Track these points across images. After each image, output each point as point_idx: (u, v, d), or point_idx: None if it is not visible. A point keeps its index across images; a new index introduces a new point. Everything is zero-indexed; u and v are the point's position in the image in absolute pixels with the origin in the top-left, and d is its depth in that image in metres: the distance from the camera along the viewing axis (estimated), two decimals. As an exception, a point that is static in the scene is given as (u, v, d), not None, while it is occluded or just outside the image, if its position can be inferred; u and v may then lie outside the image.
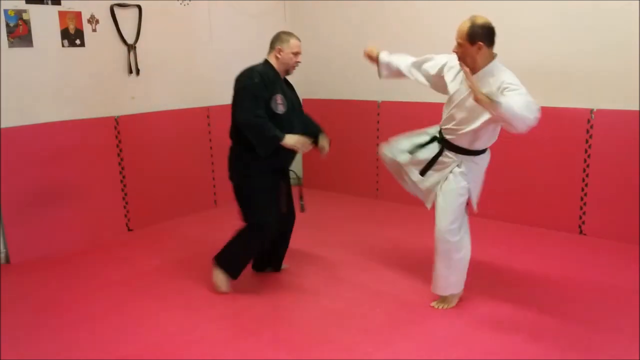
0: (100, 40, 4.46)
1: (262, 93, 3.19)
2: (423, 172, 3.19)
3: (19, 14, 3.98)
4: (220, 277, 3.45)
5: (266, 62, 3.35)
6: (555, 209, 4.48)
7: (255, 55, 5.73)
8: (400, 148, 3.32)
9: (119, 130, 4.62)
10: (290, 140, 3.19)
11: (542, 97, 4.46)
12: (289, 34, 3.36)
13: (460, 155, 3.10)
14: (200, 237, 4.55)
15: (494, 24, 4.62)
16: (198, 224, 4.93)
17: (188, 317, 3.19)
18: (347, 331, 2.99)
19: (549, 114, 4.42)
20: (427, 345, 2.84)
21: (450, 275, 3.15)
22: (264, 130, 3.16)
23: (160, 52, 4.87)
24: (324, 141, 3.55)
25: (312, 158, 5.94)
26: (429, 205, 3.23)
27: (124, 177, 4.68)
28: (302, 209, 3.59)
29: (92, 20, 4.38)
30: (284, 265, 3.80)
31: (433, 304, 3.21)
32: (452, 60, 3.17)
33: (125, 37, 4.61)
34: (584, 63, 4.24)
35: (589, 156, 4.27)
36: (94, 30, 4.41)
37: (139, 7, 4.66)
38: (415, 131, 3.39)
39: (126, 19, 4.60)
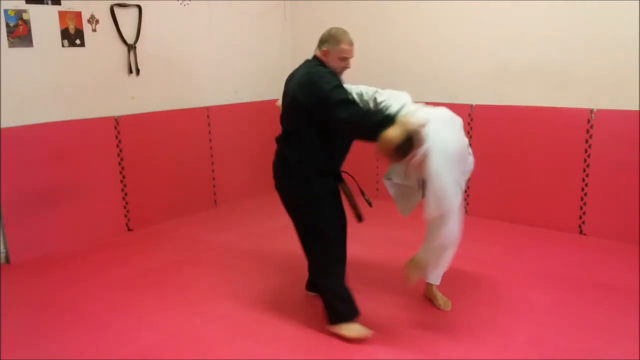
0: (100, 40, 4.46)
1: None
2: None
3: (19, 14, 3.98)
4: (351, 329, 2.93)
5: (319, 60, 2.94)
6: (555, 208, 4.48)
7: (255, 55, 5.78)
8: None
9: (119, 130, 4.62)
10: (411, 120, 2.60)
11: (542, 97, 4.49)
12: (342, 33, 2.91)
13: None
14: (200, 237, 4.55)
15: (494, 23, 4.65)
16: (198, 224, 4.93)
17: (188, 317, 3.19)
18: (347, 331, 2.99)
19: (549, 114, 4.44)
20: (427, 345, 2.84)
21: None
22: (375, 117, 2.68)
23: (160, 52, 4.87)
24: None
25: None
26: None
27: (124, 177, 4.69)
28: (360, 219, 3.07)
29: (92, 20, 4.38)
30: None
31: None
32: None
33: (125, 37, 4.61)
34: (584, 63, 4.24)
35: (589, 156, 4.27)
36: (94, 30, 4.41)
37: (139, 7, 4.66)
38: None
39: (126, 19, 4.60)
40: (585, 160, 4.29)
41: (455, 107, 4.81)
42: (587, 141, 4.27)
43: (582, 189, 4.34)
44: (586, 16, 4.18)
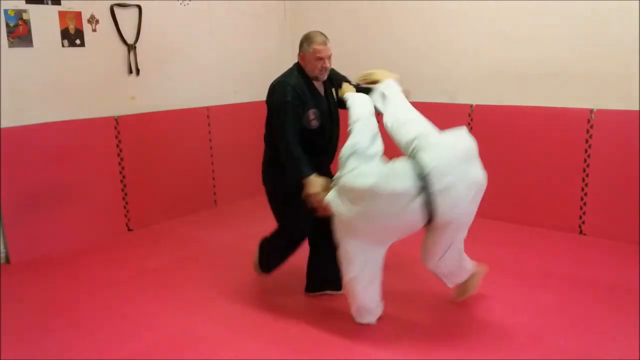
0: (100, 40, 4.45)
1: (296, 111, 2.97)
2: None
3: (19, 13, 3.98)
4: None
5: (298, 66, 3.11)
6: (555, 208, 4.48)
7: (255, 55, 5.78)
8: None
9: (119, 130, 4.62)
10: (311, 187, 2.85)
11: (542, 97, 4.48)
12: (314, 34, 3.03)
13: None
14: (200, 237, 4.55)
15: (494, 23, 4.65)
16: (198, 224, 4.93)
17: (188, 317, 3.19)
18: (346, 331, 2.99)
19: (549, 114, 4.44)
20: (426, 346, 2.83)
21: None
22: (295, 163, 2.93)
23: (160, 52, 4.87)
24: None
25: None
26: None
27: (124, 177, 4.68)
28: None
29: (92, 20, 4.38)
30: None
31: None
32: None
33: (125, 37, 4.61)
34: (584, 63, 4.24)
35: (589, 156, 4.27)
36: (94, 30, 4.41)
37: (139, 7, 4.66)
38: None
39: (126, 18, 4.60)
40: (585, 160, 4.29)
41: (455, 107, 4.88)
42: (587, 141, 4.26)
43: (582, 189, 4.33)
44: (586, 16, 4.17)
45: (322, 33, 3.08)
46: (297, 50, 3.14)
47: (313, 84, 3.10)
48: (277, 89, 3.02)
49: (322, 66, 3.04)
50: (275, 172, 3.20)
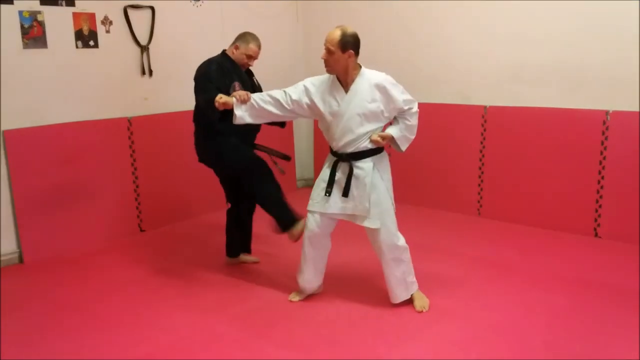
0: (114, 42, 4.48)
1: (218, 80, 3.43)
2: (346, 193, 3.10)
3: (33, 15, 4.01)
4: (299, 226, 3.40)
5: (224, 53, 3.67)
6: (570, 211, 4.43)
7: (267, 55, 5.75)
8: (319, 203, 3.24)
9: (132, 131, 4.64)
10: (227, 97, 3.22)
11: (557, 98, 4.45)
12: (253, 37, 3.58)
13: (372, 157, 3.09)
14: (213, 238, 4.55)
15: (508, 24, 4.62)
16: (210, 225, 4.93)
17: (200, 318, 3.19)
18: (359, 333, 2.98)
19: (564, 116, 4.40)
20: (439, 348, 2.82)
21: (409, 276, 3.22)
22: (209, 98, 3.25)
23: (173, 53, 4.88)
24: None
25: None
26: (377, 224, 3.11)
27: (136, 177, 4.70)
28: (282, 172, 3.73)
29: (106, 21, 4.40)
30: (254, 257, 4.03)
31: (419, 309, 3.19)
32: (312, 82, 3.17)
33: (139, 38, 4.63)
34: (600, 64, 4.20)
35: (604, 158, 4.22)
36: (108, 32, 4.43)
37: (152, 8, 4.68)
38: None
39: (139, 20, 4.62)
40: (600, 163, 4.24)
41: (469, 109, 4.84)
42: (602, 143, 4.22)
43: (598, 192, 4.29)
44: (602, 16, 4.13)
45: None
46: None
47: (236, 64, 3.58)
48: (203, 64, 3.59)
49: (247, 63, 3.61)
50: (213, 139, 3.61)
